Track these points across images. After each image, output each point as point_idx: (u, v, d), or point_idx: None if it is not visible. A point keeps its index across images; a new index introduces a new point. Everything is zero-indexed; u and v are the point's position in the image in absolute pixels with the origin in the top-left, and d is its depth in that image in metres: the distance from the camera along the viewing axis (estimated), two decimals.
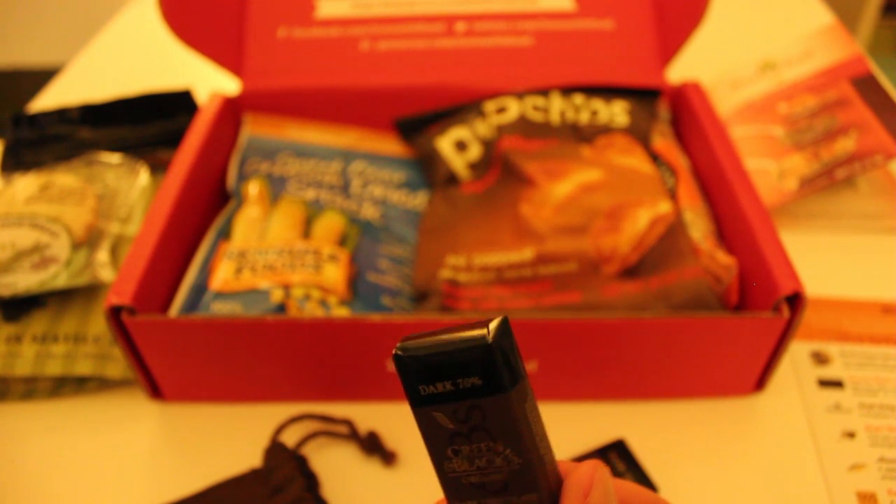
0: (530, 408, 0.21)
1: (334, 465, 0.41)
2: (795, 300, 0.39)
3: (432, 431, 0.22)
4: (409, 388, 0.21)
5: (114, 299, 0.38)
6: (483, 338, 0.20)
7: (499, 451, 0.21)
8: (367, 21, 0.57)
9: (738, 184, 0.45)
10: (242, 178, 0.51)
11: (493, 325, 0.20)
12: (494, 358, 0.20)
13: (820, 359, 0.46)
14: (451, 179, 0.53)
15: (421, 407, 0.21)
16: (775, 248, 0.41)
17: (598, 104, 0.54)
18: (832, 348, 0.46)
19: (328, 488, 0.39)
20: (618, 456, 0.40)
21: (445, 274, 0.45)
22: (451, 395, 0.21)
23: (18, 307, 0.45)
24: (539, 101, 0.54)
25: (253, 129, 0.55)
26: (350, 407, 0.43)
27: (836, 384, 0.44)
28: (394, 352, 0.21)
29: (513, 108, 0.53)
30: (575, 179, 0.48)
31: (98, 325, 0.44)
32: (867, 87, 0.56)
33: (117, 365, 0.43)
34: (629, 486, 0.25)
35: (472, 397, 0.21)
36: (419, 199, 0.53)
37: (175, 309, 0.42)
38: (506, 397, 0.20)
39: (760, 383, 0.43)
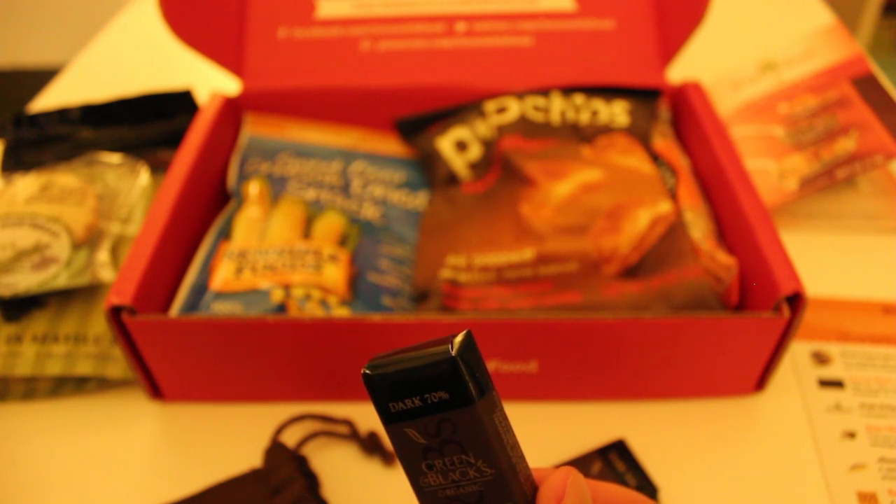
0: (499, 418, 0.22)
1: (335, 465, 0.41)
2: (796, 300, 0.39)
3: (405, 447, 0.22)
4: (380, 405, 0.22)
5: (114, 299, 0.38)
6: (447, 352, 0.20)
7: (471, 463, 0.22)
8: (367, 21, 0.57)
9: (738, 184, 0.45)
10: (243, 178, 0.51)
11: (457, 339, 0.21)
12: (459, 371, 0.20)
13: (820, 359, 0.46)
14: (452, 179, 0.53)
15: (392, 424, 0.22)
16: (776, 248, 0.41)
17: (598, 104, 0.54)
18: (833, 348, 0.46)
19: (329, 488, 0.39)
20: (618, 456, 0.40)
21: (446, 274, 0.45)
22: (420, 411, 0.21)
23: (19, 307, 0.45)
24: (539, 101, 0.54)
25: (253, 129, 0.55)
26: (350, 407, 0.43)
27: (837, 384, 0.44)
28: (362, 371, 0.21)
29: (513, 108, 0.53)
30: (575, 179, 0.48)
31: (98, 325, 0.44)
32: (868, 87, 0.56)
33: (117, 365, 0.43)
34: (611, 488, 0.25)
35: (440, 411, 0.21)
36: (419, 200, 0.53)
37: (175, 309, 0.42)
38: (473, 409, 0.21)
39: (761, 383, 0.43)
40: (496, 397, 0.22)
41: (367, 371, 0.21)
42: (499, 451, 0.21)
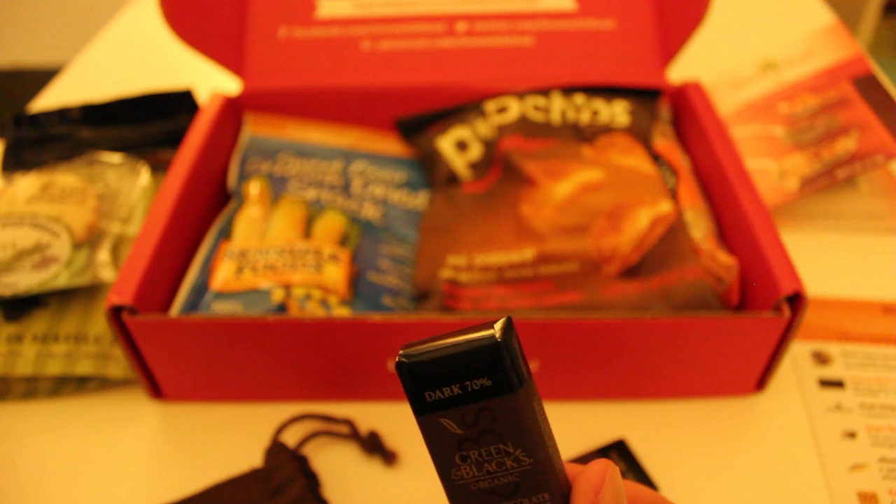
0: (538, 406, 0.21)
1: (335, 465, 0.41)
2: (796, 300, 0.39)
3: (439, 439, 0.21)
4: (414, 395, 0.21)
5: (115, 299, 0.38)
6: (492, 337, 0.20)
7: (509, 453, 0.21)
8: (368, 21, 0.57)
9: (738, 184, 0.45)
10: (243, 177, 0.51)
11: (498, 324, 0.20)
12: (503, 357, 0.20)
13: (821, 359, 0.46)
14: (452, 179, 0.53)
15: (427, 414, 0.21)
16: (776, 248, 0.41)
17: (598, 104, 0.54)
18: (833, 348, 0.46)
19: (329, 488, 0.39)
20: (618, 456, 0.40)
21: (446, 274, 0.45)
22: (459, 399, 0.20)
23: (19, 307, 0.45)
24: (540, 100, 0.54)
25: (254, 129, 0.55)
26: (351, 407, 0.43)
27: (837, 384, 0.44)
28: (397, 359, 0.20)
29: (514, 108, 0.53)
30: (576, 179, 0.48)
31: (99, 324, 0.44)
32: (868, 86, 0.56)
33: (118, 365, 0.43)
34: (635, 487, 0.26)
35: (481, 399, 0.20)
36: (420, 199, 0.53)
37: (176, 309, 0.42)
38: (515, 396, 0.20)
39: (761, 383, 0.43)
40: (534, 385, 0.21)
41: (403, 359, 0.20)
42: (538, 439, 0.21)
